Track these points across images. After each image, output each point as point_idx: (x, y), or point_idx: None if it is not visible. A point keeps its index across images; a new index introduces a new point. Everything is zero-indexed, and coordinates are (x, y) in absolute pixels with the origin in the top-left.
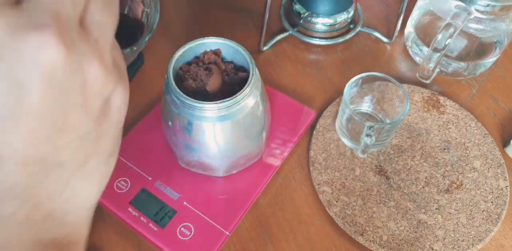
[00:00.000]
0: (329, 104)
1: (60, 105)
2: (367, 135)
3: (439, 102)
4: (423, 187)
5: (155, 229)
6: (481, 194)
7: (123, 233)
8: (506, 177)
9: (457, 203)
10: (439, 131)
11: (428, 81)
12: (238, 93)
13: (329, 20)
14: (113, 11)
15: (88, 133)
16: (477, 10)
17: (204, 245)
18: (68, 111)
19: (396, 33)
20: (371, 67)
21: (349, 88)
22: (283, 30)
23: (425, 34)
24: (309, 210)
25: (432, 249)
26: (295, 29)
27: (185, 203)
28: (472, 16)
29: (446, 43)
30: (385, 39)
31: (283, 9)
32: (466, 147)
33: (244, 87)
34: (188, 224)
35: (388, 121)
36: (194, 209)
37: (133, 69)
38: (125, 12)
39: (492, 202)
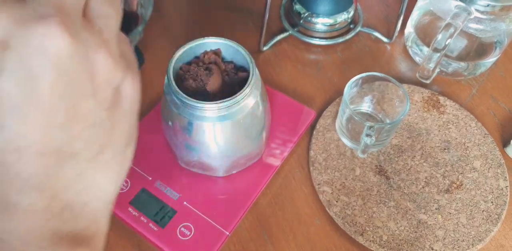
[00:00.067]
0: (329, 104)
1: (71, 94)
2: (367, 135)
3: (439, 102)
4: (423, 187)
5: (155, 229)
6: (481, 194)
7: (123, 233)
8: (506, 177)
9: (457, 203)
10: (439, 131)
11: (428, 81)
12: (238, 93)
13: (329, 20)
14: (115, 3)
15: (101, 122)
16: (477, 10)
17: (204, 245)
18: (79, 100)
19: (396, 33)
20: (371, 67)
21: (349, 88)
22: (283, 30)
23: (425, 34)
24: (309, 210)
25: (432, 249)
26: (295, 29)
27: (185, 203)
28: (472, 16)
29: (446, 43)
30: (385, 39)
31: (283, 9)
32: (466, 147)
33: (244, 87)
34: (188, 224)
35: (388, 121)
36: (194, 209)
37: None
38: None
39: (492, 202)
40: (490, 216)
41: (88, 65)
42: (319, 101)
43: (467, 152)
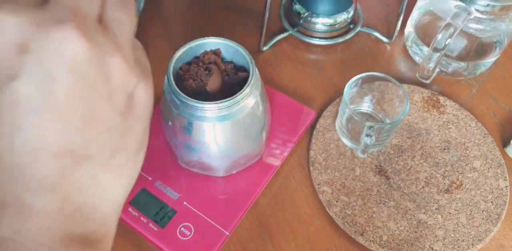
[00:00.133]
0: (329, 104)
1: (87, 98)
2: (367, 135)
3: (439, 102)
4: (423, 187)
5: (155, 229)
6: (481, 194)
7: (123, 233)
8: (506, 177)
9: (457, 203)
10: (439, 131)
11: (428, 81)
12: (238, 93)
13: (329, 20)
14: (129, 9)
15: (115, 127)
16: (477, 10)
17: (204, 245)
18: (95, 104)
19: (396, 33)
20: (371, 67)
21: (349, 88)
22: (283, 30)
23: (425, 34)
24: (309, 210)
25: (432, 249)
26: (295, 29)
27: (185, 203)
28: (472, 16)
29: (446, 43)
30: (385, 39)
31: (283, 9)
32: (466, 147)
33: (244, 87)
34: (188, 224)
35: (388, 121)
36: (194, 209)
37: None
38: None
39: (492, 202)
40: (490, 216)
41: (104, 70)
42: (319, 101)
43: (467, 152)
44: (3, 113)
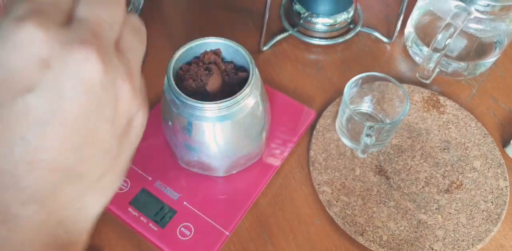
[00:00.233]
0: (329, 104)
1: (93, 118)
2: (367, 135)
3: (439, 102)
4: (423, 187)
5: (155, 229)
6: (481, 194)
7: (123, 233)
8: (506, 177)
9: (457, 203)
10: (439, 131)
11: (428, 81)
12: (238, 93)
13: (329, 20)
14: (142, 38)
15: (110, 149)
16: (477, 10)
17: (204, 245)
18: (99, 124)
19: (396, 33)
20: (371, 67)
21: (349, 88)
22: (283, 30)
23: (425, 34)
24: (309, 210)
25: (432, 249)
26: (295, 29)
27: (185, 203)
28: (472, 16)
29: (446, 43)
30: (385, 39)
31: (283, 9)
32: (466, 147)
33: (244, 87)
34: (188, 224)
35: (388, 121)
36: (194, 209)
37: None
38: None
39: (492, 202)
40: (490, 216)
41: (114, 93)
42: (319, 101)
43: (467, 152)
44: (10, 121)
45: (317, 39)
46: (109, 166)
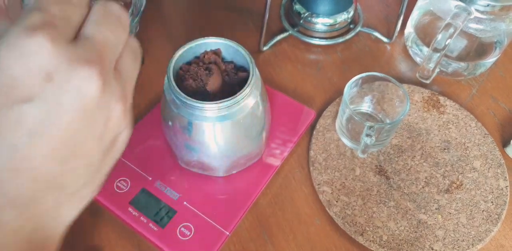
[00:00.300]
0: (329, 104)
1: (84, 134)
2: (367, 135)
3: (439, 102)
4: (423, 187)
5: (155, 229)
6: (481, 194)
7: (123, 233)
8: (506, 177)
9: (457, 203)
10: (439, 131)
11: (428, 81)
12: (238, 93)
13: (329, 20)
14: (138, 62)
15: (94, 163)
16: (477, 10)
17: (204, 245)
18: (87, 140)
19: (396, 33)
20: (371, 67)
21: (349, 88)
22: (283, 30)
23: (425, 34)
24: (309, 210)
25: (432, 249)
26: (295, 29)
27: (185, 203)
28: (472, 16)
29: (446, 43)
30: (385, 39)
31: (283, 9)
32: (466, 147)
33: (244, 87)
34: (188, 224)
35: (388, 121)
36: (194, 209)
37: None
38: None
39: (492, 202)
40: (490, 216)
41: (106, 112)
42: (319, 101)
43: (467, 152)
44: (3, 128)
45: (317, 39)
46: (90, 179)
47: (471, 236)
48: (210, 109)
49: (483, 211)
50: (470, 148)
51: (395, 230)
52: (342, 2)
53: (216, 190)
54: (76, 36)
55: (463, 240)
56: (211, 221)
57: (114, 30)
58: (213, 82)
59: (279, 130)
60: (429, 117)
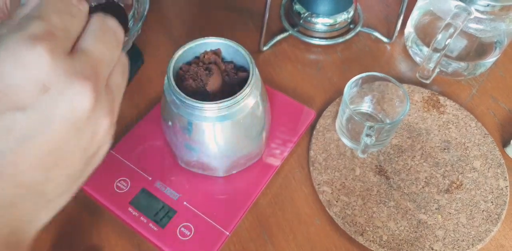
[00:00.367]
0: (329, 104)
1: (70, 145)
2: (367, 135)
3: (439, 102)
4: (423, 187)
5: (155, 229)
6: (481, 194)
7: (123, 233)
8: (506, 177)
9: (457, 203)
10: (439, 131)
11: (428, 81)
12: (238, 93)
13: (329, 20)
14: (126, 78)
15: (74, 173)
16: (477, 10)
17: (204, 245)
18: (72, 152)
19: (396, 33)
20: (371, 67)
21: (349, 88)
22: (283, 30)
23: (425, 34)
24: (309, 210)
25: (432, 249)
26: (295, 29)
27: (185, 203)
28: (472, 16)
29: (446, 43)
30: (385, 39)
31: (283, 9)
32: (466, 147)
33: (244, 87)
34: (188, 224)
35: (388, 121)
36: (194, 209)
37: (133, 69)
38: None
39: (492, 202)
40: (490, 216)
41: (94, 127)
42: (319, 101)
43: (467, 152)
44: None
45: (317, 39)
46: (68, 188)
47: (471, 236)
48: (210, 109)
49: (483, 211)
50: (470, 148)
51: (395, 230)
52: (342, 2)
53: (216, 190)
54: (73, 48)
55: (463, 240)
56: (211, 221)
57: (110, 46)
58: (213, 82)
59: (279, 130)
60: (429, 117)
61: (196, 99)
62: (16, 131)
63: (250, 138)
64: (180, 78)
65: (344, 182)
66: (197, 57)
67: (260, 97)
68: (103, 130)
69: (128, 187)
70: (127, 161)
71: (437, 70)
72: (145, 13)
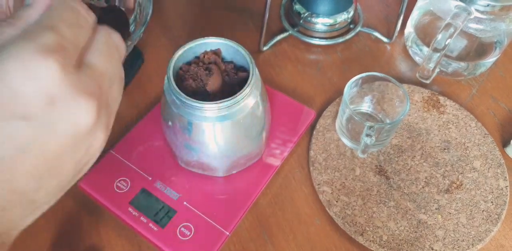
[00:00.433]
0: (329, 104)
1: (66, 157)
2: (367, 135)
3: (439, 102)
4: (423, 187)
5: (155, 229)
6: (481, 194)
7: (123, 233)
8: (506, 177)
9: (457, 203)
10: (439, 131)
11: (428, 81)
12: (238, 93)
13: (329, 20)
14: (121, 92)
15: (64, 182)
16: (477, 10)
17: (204, 245)
18: (67, 163)
19: (396, 33)
20: (371, 67)
21: (349, 88)
22: (283, 30)
23: (425, 34)
24: (309, 210)
25: (432, 249)
26: (295, 29)
27: (185, 203)
28: (472, 16)
29: (446, 43)
30: (385, 39)
31: (283, 9)
32: (466, 147)
33: (244, 87)
34: (188, 224)
35: (388, 121)
36: (194, 209)
37: (133, 69)
38: (116, 4)
39: (492, 202)
40: (490, 216)
41: (91, 141)
42: (319, 101)
43: (467, 152)
44: None
45: (317, 39)
46: (56, 195)
47: (471, 236)
48: (210, 109)
49: (483, 211)
50: (470, 148)
51: (395, 230)
52: (342, 2)
53: (216, 190)
54: (79, 60)
55: (463, 240)
56: (211, 221)
57: (113, 61)
58: (213, 82)
59: (279, 130)
60: (429, 117)
61: (196, 99)
62: (18, 139)
63: (250, 138)
64: (180, 78)
65: (344, 182)
66: (197, 57)
67: (260, 97)
68: (97, 143)
69: (128, 187)
70: (127, 161)
71: (437, 70)
72: (148, 18)
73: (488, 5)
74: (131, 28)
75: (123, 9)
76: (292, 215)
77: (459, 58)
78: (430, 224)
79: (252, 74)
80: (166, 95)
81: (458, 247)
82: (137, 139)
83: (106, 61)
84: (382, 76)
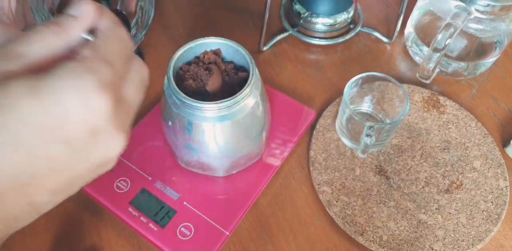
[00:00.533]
0: (329, 104)
1: (87, 178)
2: (367, 135)
3: (439, 102)
4: (423, 187)
5: (155, 229)
6: (481, 194)
7: (123, 233)
8: (506, 177)
9: (457, 203)
10: (439, 131)
11: (428, 81)
12: (238, 93)
13: (329, 20)
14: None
15: (71, 193)
16: (477, 10)
17: (204, 245)
18: (84, 181)
19: (396, 33)
20: (371, 67)
21: (349, 88)
22: (283, 30)
23: (425, 34)
24: (309, 210)
25: (432, 249)
26: (295, 29)
27: (185, 203)
28: (472, 16)
29: (446, 43)
30: (385, 39)
31: (283, 9)
32: (466, 147)
33: (244, 87)
34: (188, 224)
35: (388, 121)
36: (194, 209)
37: None
38: (117, 7)
39: (492, 202)
40: (490, 216)
41: (112, 163)
42: (319, 101)
43: (467, 152)
44: (34, 158)
45: (317, 39)
46: (59, 198)
47: (471, 236)
48: (210, 109)
49: (483, 211)
50: (470, 148)
51: (395, 230)
52: (342, 2)
53: (216, 190)
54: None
55: (463, 240)
56: (211, 221)
57: (141, 96)
58: (213, 82)
59: (279, 130)
60: (429, 117)
61: (196, 99)
62: (54, 160)
63: (250, 138)
64: (180, 78)
65: (344, 182)
66: (197, 57)
67: (260, 97)
68: (112, 164)
69: (128, 187)
70: (127, 161)
71: (437, 70)
72: (150, 22)
73: (488, 5)
74: (133, 31)
75: (125, 13)
76: (292, 215)
77: (459, 58)
78: (430, 224)
79: (252, 74)
80: (166, 95)
81: (458, 247)
82: (137, 139)
83: (137, 95)
84: (382, 76)
